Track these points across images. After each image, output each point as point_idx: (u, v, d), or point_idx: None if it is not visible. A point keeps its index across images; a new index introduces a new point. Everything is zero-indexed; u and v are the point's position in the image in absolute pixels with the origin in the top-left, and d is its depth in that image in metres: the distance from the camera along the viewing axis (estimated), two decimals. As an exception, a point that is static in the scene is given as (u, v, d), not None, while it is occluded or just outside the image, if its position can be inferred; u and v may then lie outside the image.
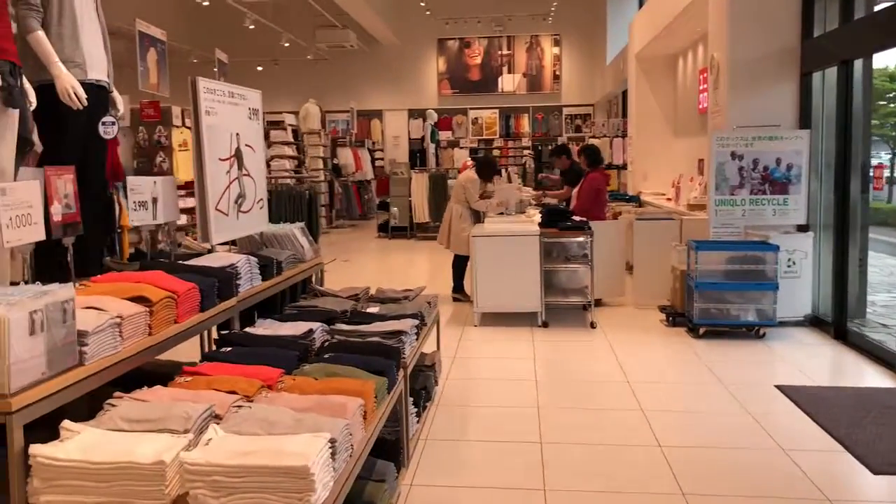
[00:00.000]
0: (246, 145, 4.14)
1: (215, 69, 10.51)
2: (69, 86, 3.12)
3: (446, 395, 4.73)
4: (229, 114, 3.95)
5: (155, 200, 3.42)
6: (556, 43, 20.87)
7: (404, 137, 21.29)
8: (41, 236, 2.64)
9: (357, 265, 10.84)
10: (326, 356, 3.03)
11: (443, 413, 4.40)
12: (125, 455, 1.95)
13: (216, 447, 1.98)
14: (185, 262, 3.35)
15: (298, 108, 15.60)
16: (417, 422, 3.84)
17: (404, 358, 3.40)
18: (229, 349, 3.04)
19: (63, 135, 3.23)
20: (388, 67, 20.44)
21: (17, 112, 2.79)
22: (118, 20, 12.27)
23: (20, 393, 1.93)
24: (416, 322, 3.70)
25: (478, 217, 7.73)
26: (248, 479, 1.90)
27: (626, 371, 5.20)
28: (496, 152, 21.53)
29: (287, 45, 16.21)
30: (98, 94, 3.39)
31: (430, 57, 20.91)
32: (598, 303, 7.37)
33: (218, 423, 2.17)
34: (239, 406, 2.28)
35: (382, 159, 20.69)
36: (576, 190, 7.92)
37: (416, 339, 3.75)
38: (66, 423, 2.11)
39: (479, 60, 21.04)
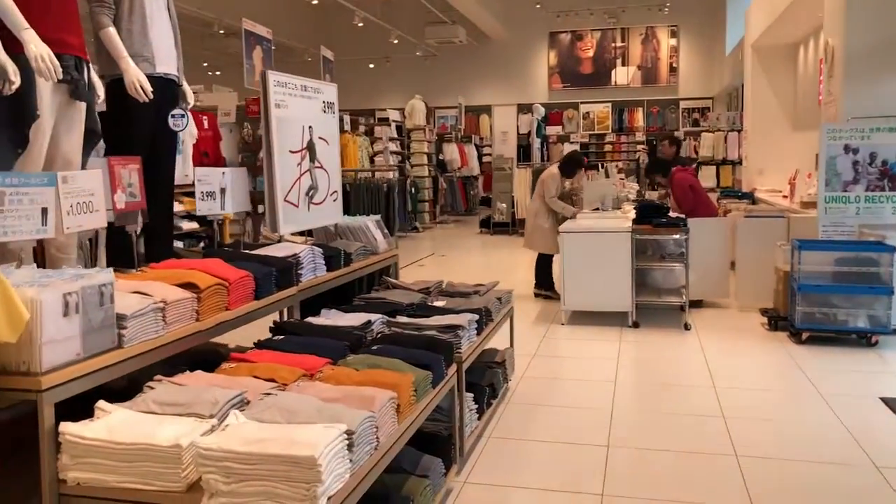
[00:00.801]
0: (319, 138, 4.20)
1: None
2: (136, 79, 3.26)
3: (519, 393, 4.63)
4: (302, 107, 4.01)
5: (223, 191, 3.52)
6: (673, 34, 20.12)
7: (513, 133, 21.16)
8: (102, 224, 2.77)
9: (453, 260, 10.86)
10: (374, 348, 3.01)
11: (512, 411, 4.31)
12: (146, 437, 2.00)
13: (231, 433, 2.00)
14: (248, 252, 3.43)
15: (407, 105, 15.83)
16: (478, 418, 3.77)
17: (459, 353, 3.34)
18: (282, 337, 3.08)
19: (131, 127, 3.38)
20: (497, 62, 20.37)
21: (84, 105, 2.95)
22: (236, 20, 12.77)
23: (51, 372, 2.01)
24: (477, 317, 3.62)
25: (559, 216, 7.47)
26: (258, 467, 1.91)
27: (713, 376, 4.91)
28: (608, 147, 21.06)
29: (396, 41, 16.46)
30: (167, 88, 3.53)
31: (541, 51, 20.66)
32: (698, 304, 7.03)
33: (243, 410, 2.19)
34: (267, 393, 2.30)
35: (490, 155, 20.66)
36: (672, 200, 7.53)
37: (477, 335, 3.67)
38: (101, 403, 2.19)
39: (591, 53, 20.60)
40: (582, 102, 20.74)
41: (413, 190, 14.01)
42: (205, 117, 7.08)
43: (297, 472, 1.88)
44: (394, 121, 13.51)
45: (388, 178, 5.25)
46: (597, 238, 6.45)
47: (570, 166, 7.56)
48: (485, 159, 19.36)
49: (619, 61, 20.49)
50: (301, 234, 4.53)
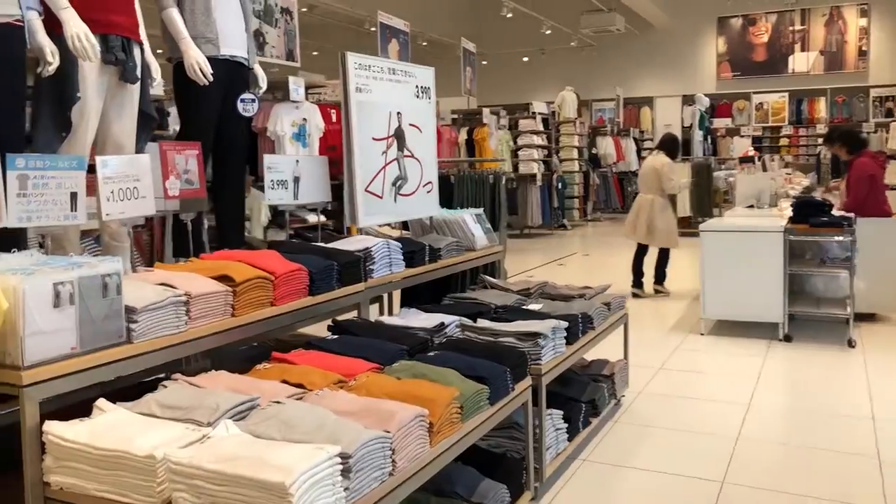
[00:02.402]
0: (410, 125, 3.93)
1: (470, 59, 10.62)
2: (195, 61, 3.14)
3: (632, 412, 4.11)
4: (389, 91, 3.76)
5: (297, 180, 3.34)
6: (863, 13, 18.06)
7: (677, 125, 19.86)
8: (149, 211, 2.65)
9: (597, 260, 10.29)
10: (432, 354, 2.69)
11: (618, 432, 3.82)
12: (124, 444, 1.80)
13: (208, 448, 1.75)
14: (315, 244, 3.22)
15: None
16: (568, 439, 3.33)
17: (538, 364, 2.94)
18: (336, 337, 2.83)
19: (196, 111, 3.27)
20: (660, 51, 19.27)
21: (136, 88, 2.86)
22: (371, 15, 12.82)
23: (37, 367, 1.87)
24: (566, 324, 3.18)
25: (673, 207, 7.19)
26: (227, 489, 1.65)
27: (875, 405, 4.12)
28: (784, 140, 19.33)
29: (549, 32, 15.96)
30: (234, 71, 3.39)
31: (709, 37, 19.31)
32: (870, 318, 6.07)
33: (241, 420, 1.95)
34: (277, 402, 2.04)
35: (652, 149, 19.60)
36: (843, 184, 6.56)
37: (568, 343, 3.24)
38: (100, 402, 2.04)
39: (765, 39, 18.96)
40: (754, 92, 19.16)
41: (560, 185, 13.50)
42: (332, 111, 7.04)
43: (265, 500, 1.60)
44: (539, 113, 13.02)
45: (495, 171, 4.91)
46: (744, 238, 5.72)
47: (674, 146, 7.36)
48: (644, 154, 18.38)
49: (797, 46, 18.70)
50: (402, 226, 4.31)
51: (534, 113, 13.23)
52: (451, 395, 2.25)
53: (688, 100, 19.28)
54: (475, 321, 3.27)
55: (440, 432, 2.18)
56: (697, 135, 14.48)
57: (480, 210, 4.46)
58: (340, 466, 1.74)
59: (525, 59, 19.24)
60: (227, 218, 3.39)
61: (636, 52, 19.23)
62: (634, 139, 17.72)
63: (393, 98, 3.79)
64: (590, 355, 4.16)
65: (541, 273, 9.54)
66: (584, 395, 3.65)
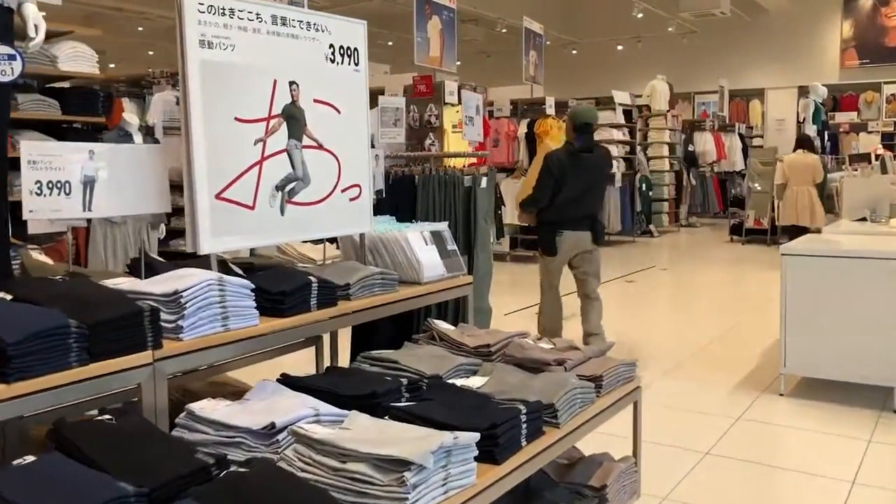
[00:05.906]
0: (317, 101, 2.68)
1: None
2: None
3: (641, 535, 2.73)
4: (271, 50, 2.52)
5: (90, 182, 2.16)
6: None
7: (791, 120, 17.65)
8: None
9: (675, 277, 8.69)
10: (159, 515, 1.44)
11: (607, 578, 2.46)
12: None
13: None
14: (96, 285, 2.04)
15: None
16: None
17: (399, 522, 1.64)
18: (32, 460, 1.63)
19: None
20: (773, 37, 17.06)
21: None
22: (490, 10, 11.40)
23: None
24: (474, 438, 1.84)
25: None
26: None
27: None
28: (920, 137, 16.76)
29: (640, 16, 14.24)
30: None
31: (832, 21, 16.95)
32: None
33: None
34: None
35: (762, 146, 17.45)
36: None
37: (490, 461, 1.92)
38: None
39: (901, 20, 16.45)
40: (886, 82, 16.68)
41: (643, 187, 11.86)
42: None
43: None
44: (621, 104, 11.37)
45: (474, 172, 3.67)
46: (843, 266, 4.14)
47: (813, 144, 9.00)
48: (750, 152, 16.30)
49: (940, 28, 16.11)
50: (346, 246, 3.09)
51: (615, 104, 11.63)
52: None
53: (804, 91, 17.01)
54: (348, 409, 2.00)
55: None
56: (811, 129, 12.42)
57: (444, 225, 3.16)
58: None
59: (619, 47, 17.49)
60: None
61: (744, 38, 17.10)
62: (740, 135, 15.69)
63: (280, 60, 2.56)
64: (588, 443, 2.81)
65: (604, 291, 8.08)
66: (546, 526, 2.31)
